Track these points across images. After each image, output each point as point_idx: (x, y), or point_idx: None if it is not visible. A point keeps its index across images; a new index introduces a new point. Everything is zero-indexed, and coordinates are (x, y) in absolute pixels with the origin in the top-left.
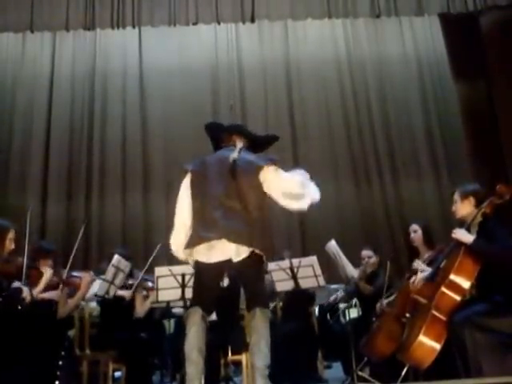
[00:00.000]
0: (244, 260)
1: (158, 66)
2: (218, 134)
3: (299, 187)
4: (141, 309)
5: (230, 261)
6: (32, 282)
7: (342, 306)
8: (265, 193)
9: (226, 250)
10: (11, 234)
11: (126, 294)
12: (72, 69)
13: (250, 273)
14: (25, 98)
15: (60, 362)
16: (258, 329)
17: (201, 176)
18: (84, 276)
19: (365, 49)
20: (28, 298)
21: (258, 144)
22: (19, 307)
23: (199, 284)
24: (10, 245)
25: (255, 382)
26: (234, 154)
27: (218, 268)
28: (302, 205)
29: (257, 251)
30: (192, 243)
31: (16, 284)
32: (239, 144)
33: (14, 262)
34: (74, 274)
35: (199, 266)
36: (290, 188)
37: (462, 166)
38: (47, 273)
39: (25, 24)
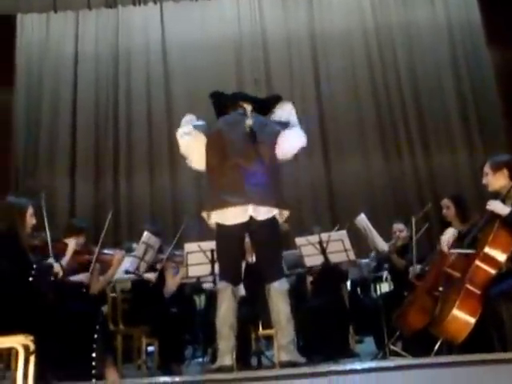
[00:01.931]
0: (264, 221)
1: (180, 40)
2: (223, 103)
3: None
4: (172, 284)
5: (249, 222)
6: (58, 255)
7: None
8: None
9: (247, 212)
10: (30, 210)
11: (152, 276)
12: (95, 47)
13: (268, 236)
14: (51, 78)
15: (95, 336)
16: (277, 305)
17: (216, 142)
18: (116, 253)
19: (393, 15)
20: (60, 273)
21: (263, 106)
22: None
23: (224, 251)
24: (31, 220)
25: (279, 358)
26: (249, 121)
27: (238, 230)
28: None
29: (276, 212)
30: (216, 206)
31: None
32: (248, 107)
33: (38, 237)
34: (105, 251)
35: (222, 230)
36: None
37: (496, 135)
38: (71, 243)
39: (48, 4)
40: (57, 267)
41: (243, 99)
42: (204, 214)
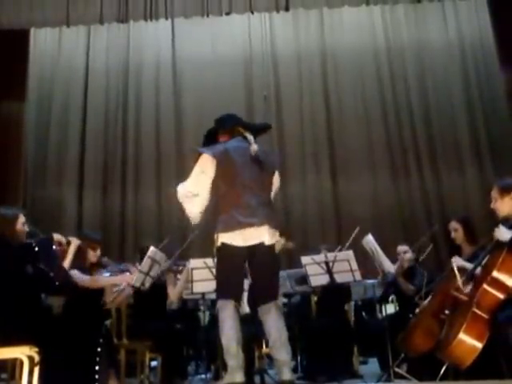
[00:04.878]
0: (271, 245)
1: (191, 57)
2: (220, 128)
3: None
4: (173, 296)
5: (258, 245)
6: (61, 252)
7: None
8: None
9: (260, 234)
10: (21, 219)
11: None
12: (106, 61)
13: (272, 260)
14: (61, 92)
15: (99, 349)
16: (277, 324)
17: (226, 164)
18: (133, 270)
19: (404, 36)
20: (63, 241)
21: (255, 132)
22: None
23: (227, 270)
24: (22, 228)
25: (282, 375)
26: (254, 146)
27: (244, 252)
28: None
29: (278, 238)
30: (230, 227)
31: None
32: (250, 136)
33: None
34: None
35: (227, 250)
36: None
37: (506, 155)
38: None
39: (61, 19)
40: (56, 236)
41: (242, 126)
42: (216, 236)
